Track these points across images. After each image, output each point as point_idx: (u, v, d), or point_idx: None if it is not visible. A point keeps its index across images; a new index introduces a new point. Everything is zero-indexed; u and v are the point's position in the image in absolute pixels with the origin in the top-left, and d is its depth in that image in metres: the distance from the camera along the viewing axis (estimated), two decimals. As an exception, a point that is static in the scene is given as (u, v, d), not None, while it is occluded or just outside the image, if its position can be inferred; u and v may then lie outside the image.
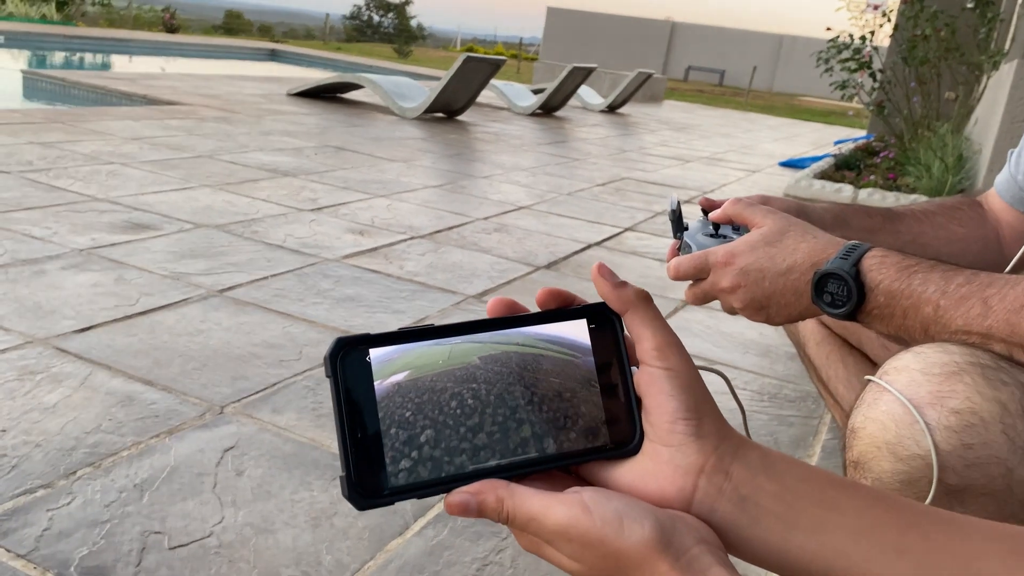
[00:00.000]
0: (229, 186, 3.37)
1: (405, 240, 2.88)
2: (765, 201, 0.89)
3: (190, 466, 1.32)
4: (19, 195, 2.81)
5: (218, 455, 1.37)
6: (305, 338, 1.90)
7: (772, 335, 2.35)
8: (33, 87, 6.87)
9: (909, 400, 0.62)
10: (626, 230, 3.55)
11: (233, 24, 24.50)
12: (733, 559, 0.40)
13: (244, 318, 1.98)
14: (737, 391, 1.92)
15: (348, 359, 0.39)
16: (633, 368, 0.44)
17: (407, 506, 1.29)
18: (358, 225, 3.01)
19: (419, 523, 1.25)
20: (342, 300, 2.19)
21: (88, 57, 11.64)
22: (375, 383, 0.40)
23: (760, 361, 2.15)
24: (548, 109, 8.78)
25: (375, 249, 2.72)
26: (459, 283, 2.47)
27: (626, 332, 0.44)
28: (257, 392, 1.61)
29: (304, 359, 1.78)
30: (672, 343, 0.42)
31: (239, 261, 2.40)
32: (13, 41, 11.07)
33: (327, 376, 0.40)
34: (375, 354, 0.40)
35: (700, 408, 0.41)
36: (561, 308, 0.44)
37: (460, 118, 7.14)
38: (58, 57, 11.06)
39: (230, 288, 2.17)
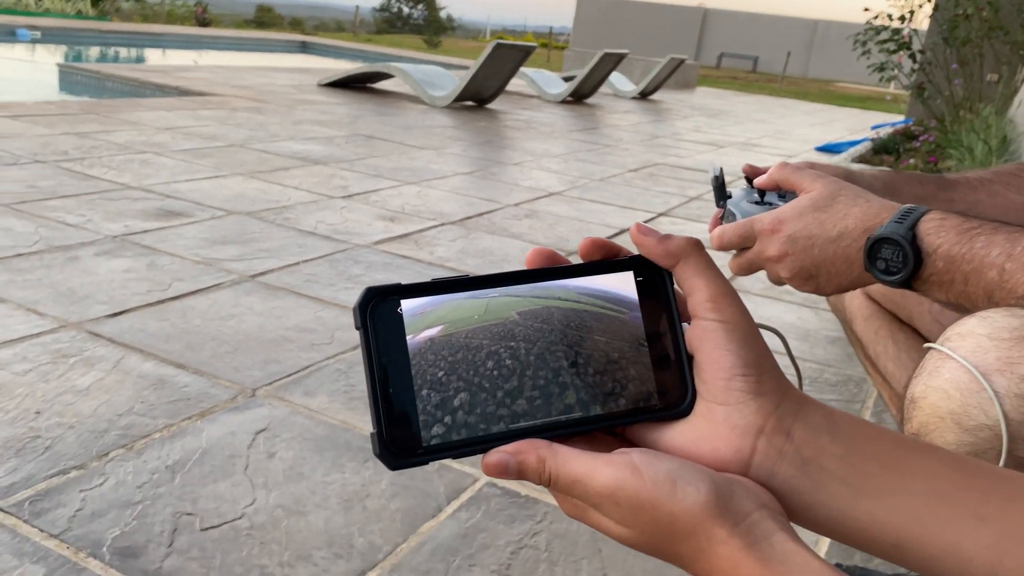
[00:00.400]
0: (261, 174, 3.38)
1: (435, 226, 2.86)
2: (811, 166, 0.85)
3: (222, 448, 1.31)
4: (54, 184, 2.83)
5: (250, 437, 1.36)
6: (336, 322, 1.89)
7: (811, 318, 2.29)
8: (69, 80, 6.96)
9: (975, 367, 0.58)
10: (660, 215, 3.50)
11: (264, 18, 24.65)
12: (794, 526, 0.37)
13: (276, 303, 1.97)
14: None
15: (378, 310, 0.37)
16: (684, 324, 0.41)
17: (440, 488, 1.26)
18: (389, 212, 3.00)
19: (452, 505, 1.23)
20: (373, 285, 2.17)
21: (122, 51, 11.78)
22: (407, 337, 0.37)
23: (799, 345, 2.09)
24: (579, 96, 8.71)
25: (406, 235, 2.70)
26: (490, 268, 2.44)
27: (675, 286, 0.41)
28: (289, 375, 1.60)
29: (336, 343, 1.77)
30: (727, 293, 0.39)
31: (271, 247, 2.40)
32: (50, 36, 11.23)
33: (356, 328, 0.37)
34: (407, 306, 0.37)
35: (759, 363, 0.38)
36: (606, 259, 0.41)
37: (490, 106, 7.10)
38: (93, 52, 11.21)
39: (262, 273, 2.17)
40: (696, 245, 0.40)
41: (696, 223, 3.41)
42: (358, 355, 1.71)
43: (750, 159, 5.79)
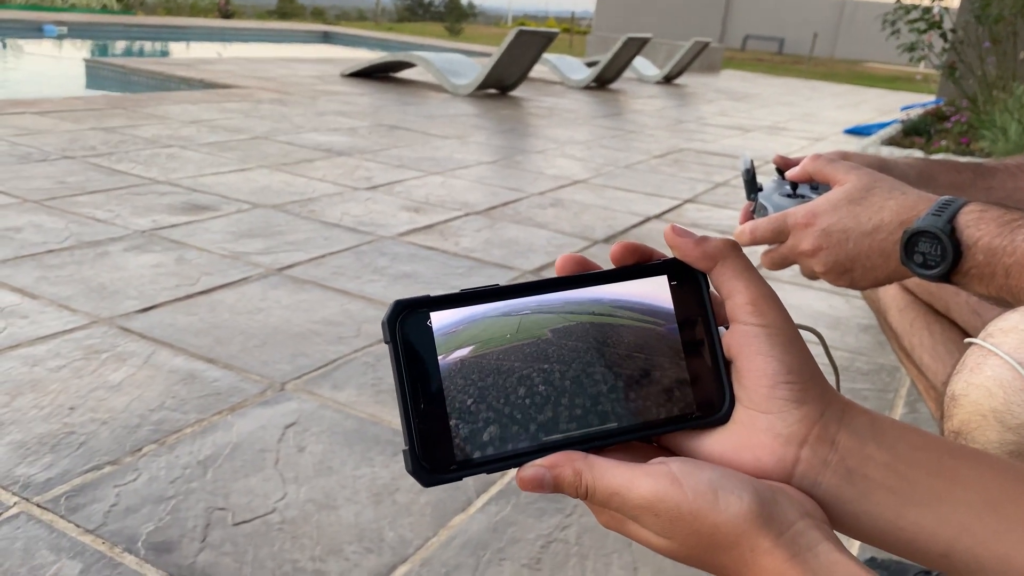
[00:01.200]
0: (285, 166, 3.39)
1: (460, 216, 2.86)
2: (845, 157, 0.83)
3: (252, 443, 1.32)
4: (83, 179, 2.86)
5: (280, 431, 1.37)
6: (363, 315, 1.89)
7: (842, 306, 2.26)
8: (95, 75, 7.03)
9: (1020, 363, 0.56)
10: (686, 202, 3.47)
11: (286, 8, 24.72)
12: (839, 536, 0.36)
13: (303, 296, 1.98)
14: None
15: (408, 323, 0.36)
16: (721, 328, 0.40)
17: (469, 482, 1.26)
18: (413, 203, 3.00)
19: (482, 499, 1.23)
20: (399, 277, 2.18)
21: (147, 45, 11.87)
22: (439, 357, 0.36)
23: (830, 333, 2.07)
24: (602, 82, 8.65)
25: (430, 226, 2.70)
26: (515, 258, 2.44)
27: (712, 289, 0.40)
28: (317, 369, 1.60)
29: (362, 336, 1.78)
30: (768, 296, 0.38)
31: (297, 240, 2.41)
32: (76, 31, 11.35)
33: (386, 342, 0.36)
34: (438, 322, 0.36)
35: (803, 369, 0.36)
36: (639, 264, 0.40)
37: (513, 93, 7.08)
38: (119, 45, 11.31)
39: (289, 267, 2.18)
40: (734, 247, 0.39)
41: (723, 209, 3.38)
42: (385, 348, 1.71)
43: (777, 143, 5.72)
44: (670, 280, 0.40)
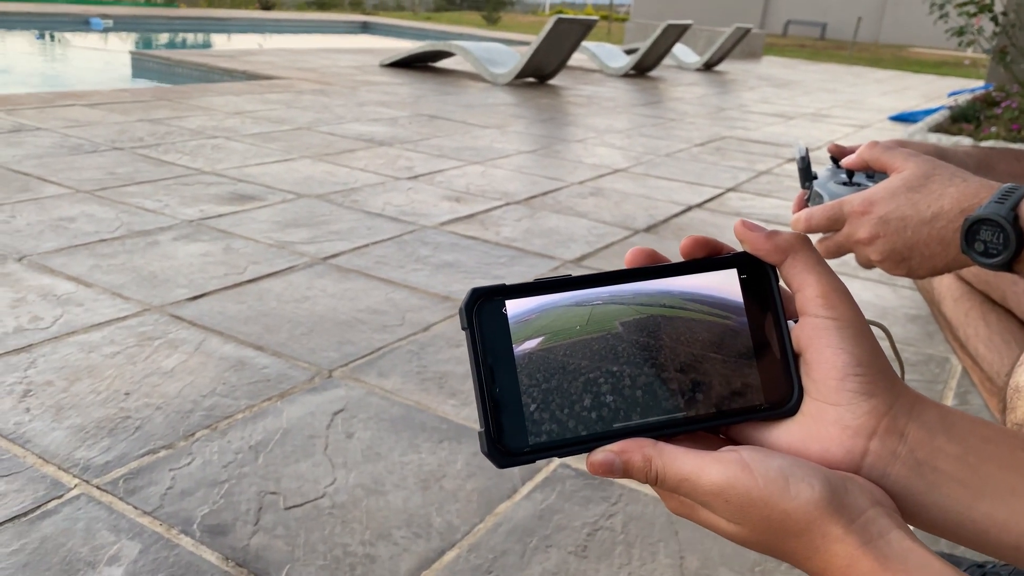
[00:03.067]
0: (328, 156, 3.42)
1: (501, 206, 2.87)
2: (902, 145, 0.82)
3: (301, 428, 1.35)
4: (132, 170, 2.92)
5: (328, 418, 1.39)
6: (407, 304, 1.91)
7: (889, 296, 2.23)
8: (141, 67, 7.15)
9: (1087, 356, 0.55)
10: (728, 191, 3.43)
11: (326, -1, 24.87)
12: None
13: (348, 284, 2.00)
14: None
15: (484, 311, 0.37)
16: (789, 322, 0.40)
17: (515, 469, 1.27)
18: (454, 192, 3.01)
19: (527, 486, 1.24)
20: (441, 266, 2.19)
21: (190, 37, 12.05)
22: (513, 344, 0.37)
23: (871, 319, 2.04)
24: (641, 69, 8.58)
25: (471, 216, 2.71)
26: (556, 248, 2.44)
27: (781, 283, 0.40)
28: (363, 356, 1.62)
29: (407, 324, 1.79)
30: (839, 289, 0.38)
31: (341, 229, 2.44)
32: (121, 24, 11.55)
33: (463, 328, 0.37)
34: (512, 309, 0.37)
35: (872, 362, 0.37)
36: (709, 257, 0.40)
37: (552, 82, 7.05)
38: (163, 38, 11.49)
39: (333, 256, 2.20)
40: (805, 240, 0.39)
41: (766, 198, 3.34)
42: (429, 336, 1.73)
43: (821, 130, 5.63)
44: (740, 273, 0.40)
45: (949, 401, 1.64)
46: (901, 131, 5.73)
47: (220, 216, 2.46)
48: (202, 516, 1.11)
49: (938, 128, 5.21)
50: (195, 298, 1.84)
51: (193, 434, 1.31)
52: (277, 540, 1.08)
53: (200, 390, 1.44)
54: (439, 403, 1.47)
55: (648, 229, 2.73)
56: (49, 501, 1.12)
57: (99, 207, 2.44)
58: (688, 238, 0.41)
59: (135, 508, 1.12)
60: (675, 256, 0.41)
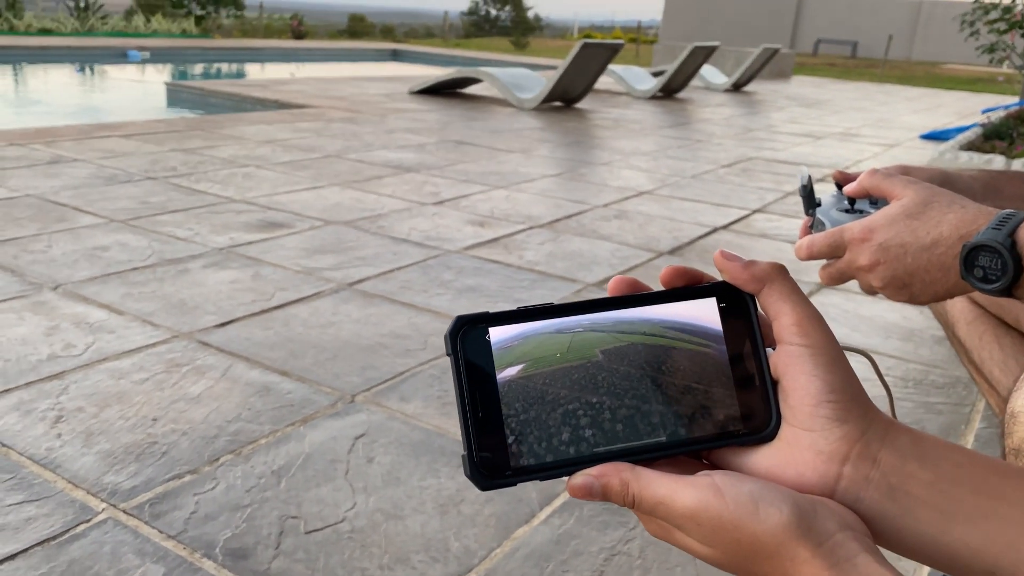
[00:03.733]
0: (356, 183, 3.48)
1: (524, 230, 2.89)
2: (906, 171, 0.83)
3: (323, 453, 1.37)
4: (164, 199, 2.99)
5: (349, 442, 1.41)
6: (430, 328, 1.93)
7: (916, 317, 2.21)
8: (176, 97, 7.32)
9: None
10: (755, 212, 3.43)
11: (357, 27, 25.29)
12: (884, 552, 0.37)
13: (372, 310, 2.03)
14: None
15: (468, 337, 0.39)
16: (768, 349, 0.41)
17: (533, 494, 1.28)
18: (478, 217, 3.04)
19: (545, 511, 1.24)
20: (464, 291, 2.21)
21: (224, 66, 12.31)
22: (496, 369, 0.39)
23: (903, 345, 2.02)
24: (669, 91, 8.60)
25: (495, 240, 2.74)
26: (579, 271, 2.45)
27: (760, 310, 0.41)
28: (385, 381, 1.65)
29: (429, 349, 1.81)
30: (813, 317, 0.39)
31: (367, 255, 2.47)
32: (158, 56, 11.84)
33: (447, 354, 0.39)
34: (495, 336, 0.39)
35: (845, 389, 0.38)
36: (688, 286, 0.42)
37: (578, 106, 7.10)
38: (197, 68, 11.76)
39: (359, 281, 2.24)
40: (781, 270, 0.40)
41: (793, 219, 3.32)
42: (449, 362, 1.75)
43: (849, 150, 5.59)
44: (719, 302, 0.41)
45: (976, 424, 1.62)
46: (932, 149, 5.67)
47: (249, 243, 2.51)
48: (224, 540, 1.14)
49: (970, 146, 5.15)
50: (223, 324, 1.88)
51: (217, 459, 1.34)
52: (297, 564, 1.10)
53: (225, 415, 1.47)
54: (458, 428, 1.48)
55: (672, 251, 2.74)
56: (78, 525, 1.15)
57: (132, 236, 2.51)
58: (668, 268, 0.42)
59: (160, 532, 1.15)
60: (673, 276, 0.42)
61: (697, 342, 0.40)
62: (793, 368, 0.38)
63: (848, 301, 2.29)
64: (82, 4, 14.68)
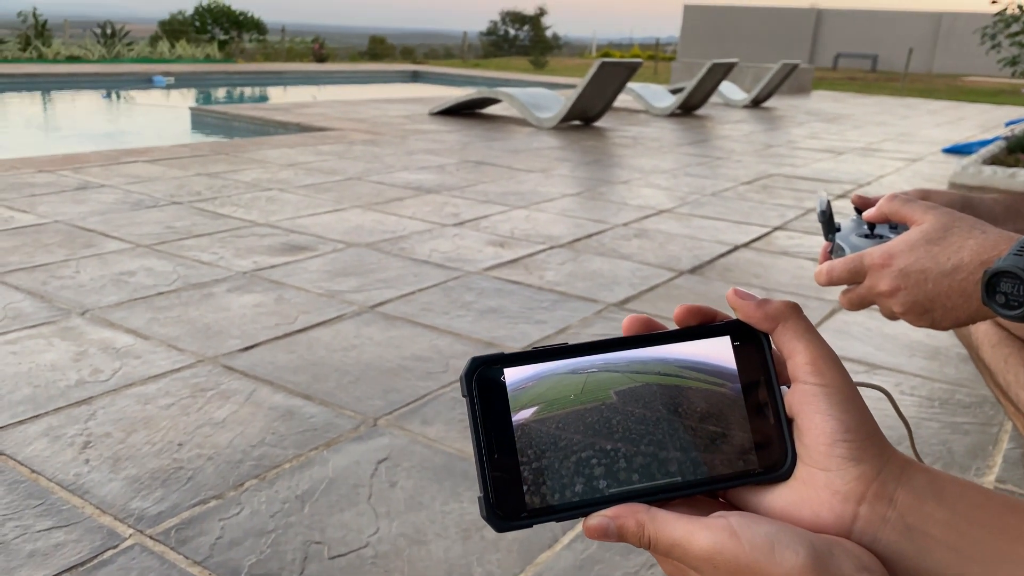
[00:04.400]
0: (377, 205, 3.51)
1: (544, 250, 2.90)
2: (925, 196, 0.83)
3: (347, 478, 1.38)
4: (189, 223, 3.03)
5: (372, 467, 1.42)
6: (451, 350, 1.94)
7: (940, 335, 2.18)
8: (200, 122, 7.43)
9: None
10: (775, 229, 3.41)
11: (377, 49, 25.56)
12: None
13: (394, 332, 2.04)
14: (904, 397, 1.80)
15: (483, 379, 0.39)
16: (783, 387, 0.41)
17: (555, 519, 1.28)
18: (498, 237, 3.05)
19: (568, 536, 1.24)
20: (485, 312, 2.22)
21: (247, 90, 12.48)
22: (511, 410, 0.39)
23: (928, 364, 2.00)
24: (688, 108, 8.60)
25: (515, 260, 2.75)
26: (600, 291, 2.45)
27: (774, 348, 0.42)
28: (407, 404, 1.65)
29: (450, 371, 1.82)
30: (827, 356, 0.39)
31: (388, 277, 2.49)
32: (182, 81, 12.03)
33: (463, 396, 0.40)
34: (510, 377, 0.39)
35: (860, 428, 0.38)
36: (702, 325, 0.42)
37: (597, 124, 7.12)
38: (221, 92, 11.93)
39: (380, 304, 2.25)
40: (795, 308, 0.41)
41: (814, 236, 3.31)
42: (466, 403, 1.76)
43: (871, 165, 5.56)
44: (733, 341, 0.41)
45: (1004, 444, 1.60)
46: (955, 163, 5.62)
47: (273, 267, 2.54)
48: (249, 566, 1.15)
49: (993, 160, 5.11)
50: (247, 348, 1.90)
51: (242, 484, 1.35)
52: (321, 590, 1.10)
53: (250, 440, 1.49)
54: (481, 451, 1.48)
55: (693, 270, 2.73)
56: (105, 551, 1.16)
57: (157, 261, 2.54)
58: (681, 307, 0.43)
59: (186, 558, 1.16)
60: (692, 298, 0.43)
61: (712, 381, 0.41)
62: (808, 407, 0.39)
63: (872, 320, 2.28)
64: (108, 31, 14.96)
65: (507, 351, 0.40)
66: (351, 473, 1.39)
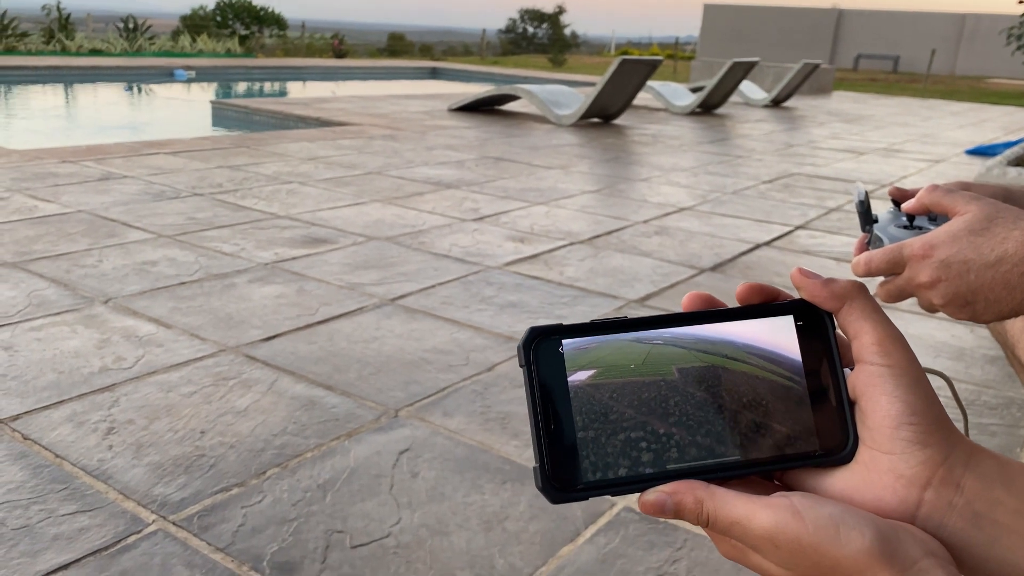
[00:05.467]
0: (397, 200, 3.51)
1: (564, 246, 2.89)
2: (966, 187, 0.81)
3: (368, 468, 1.37)
4: (211, 215, 3.04)
5: (394, 457, 1.41)
6: (471, 344, 1.93)
7: (966, 336, 2.16)
8: (221, 115, 7.47)
9: None
10: (797, 228, 3.38)
11: (396, 46, 25.59)
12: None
13: (415, 325, 2.04)
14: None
15: (541, 349, 0.38)
16: (846, 370, 0.40)
17: (578, 512, 1.27)
18: (518, 233, 3.05)
19: (590, 530, 1.23)
20: (505, 306, 2.21)
21: (267, 85, 12.53)
22: (568, 377, 0.38)
23: (954, 365, 1.97)
24: (708, 107, 8.56)
25: (535, 256, 2.74)
26: (620, 287, 2.44)
27: (838, 330, 0.41)
28: (428, 396, 1.65)
29: (471, 364, 1.82)
30: (894, 336, 0.38)
31: (408, 271, 2.49)
32: (203, 75, 12.10)
33: (520, 366, 0.39)
34: (568, 345, 0.39)
35: (927, 411, 0.36)
36: (765, 303, 0.41)
37: (616, 122, 7.09)
38: (241, 87, 11.98)
39: (401, 297, 2.25)
40: (861, 288, 0.39)
41: (836, 235, 3.28)
42: (492, 376, 1.75)
43: (893, 166, 5.51)
44: (796, 320, 0.40)
45: (1032, 446, 1.58)
46: (979, 164, 5.56)
47: (294, 259, 2.54)
48: (271, 553, 1.14)
49: (1018, 161, 5.04)
50: (268, 339, 1.90)
51: (264, 472, 1.35)
52: (343, 578, 1.10)
53: (272, 429, 1.49)
54: (502, 444, 1.48)
55: (714, 268, 2.71)
56: (129, 536, 1.16)
57: (180, 251, 2.55)
58: (744, 285, 0.41)
59: (208, 544, 1.16)
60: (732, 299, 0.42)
61: (775, 363, 0.40)
62: (873, 388, 0.37)
63: (897, 320, 2.25)
64: (131, 25, 15.06)
65: (565, 323, 0.40)
66: (373, 463, 1.39)
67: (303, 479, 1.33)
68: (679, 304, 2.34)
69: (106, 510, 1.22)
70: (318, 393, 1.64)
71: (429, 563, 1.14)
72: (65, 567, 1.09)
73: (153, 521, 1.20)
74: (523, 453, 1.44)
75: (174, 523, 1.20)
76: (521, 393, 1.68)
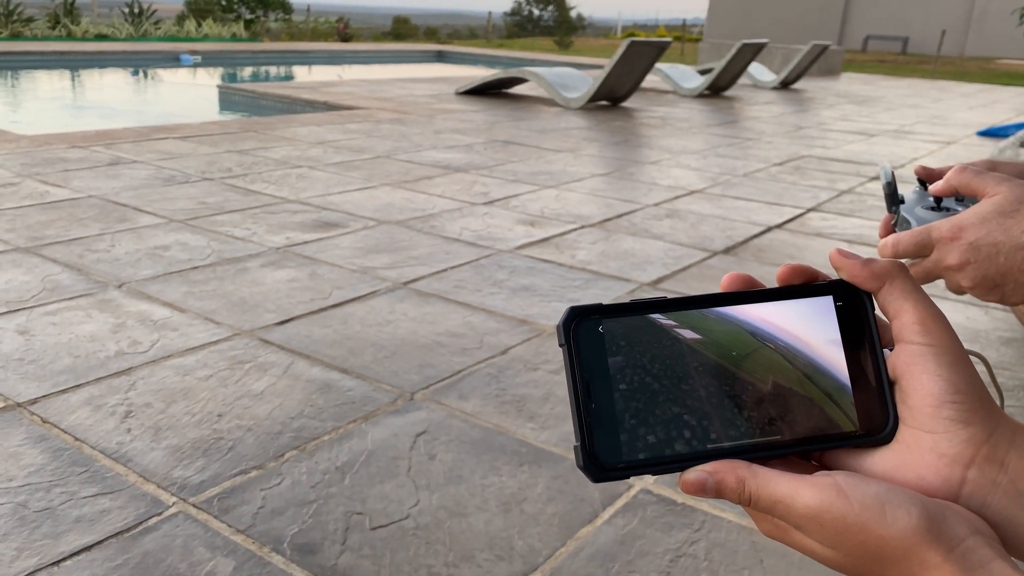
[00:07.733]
0: (407, 184, 3.50)
1: (575, 229, 2.88)
2: (992, 167, 0.80)
3: (386, 450, 1.38)
4: (221, 199, 3.04)
5: (411, 440, 1.42)
6: (485, 327, 1.94)
7: (981, 318, 2.15)
8: (228, 100, 7.45)
9: None
10: (809, 211, 3.37)
11: (401, 29, 25.47)
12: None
13: (428, 308, 2.04)
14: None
15: (581, 328, 0.38)
16: (885, 350, 0.40)
17: (595, 493, 1.28)
18: (529, 216, 3.04)
19: (608, 511, 1.24)
20: (517, 290, 2.21)
21: (273, 69, 12.49)
22: (608, 361, 0.38)
23: (969, 347, 1.97)
24: (716, 89, 8.50)
25: (546, 239, 2.73)
26: (632, 271, 2.44)
27: (877, 311, 0.40)
28: (443, 379, 1.65)
29: (485, 347, 1.82)
30: (935, 315, 0.38)
31: (420, 255, 2.49)
32: (209, 60, 12.07)
33: (560, 345, 0.39)
34: (607, 324, 0.39)
35: (970, 390, 0.36)
36: (805, 284, 0.41)
37: (625, 104, 7.05)
38: (247, 71, 11.95)
39: (413, 280, 2.25)
40: (902, 268, 0.39)
41: (848, 218, 3.26)
42: (507, 360, 1.75)
43: (904, 148, 5.47)
44: (835, 301, 0.40)
45: (1048, 429, 1.57)
46: (991, 146, 5.52)
47: (305, 243, 2.54)
48: (292, 535, 1.15)
49: (1031, 143, 5.00)
50: (283, 323, 1.91)
51: (283, 455, 1.35)
52: (364, 560, 1.11)
53: (288, 412, 1.49)
54: (518, 426, 1.48)
55: (727, 251, 2.70)
56: (150, 518, 1.17)
57: (191, 235, 2.56)
58: (785, 266, 0.41)
59: (229, 526, 1.16)
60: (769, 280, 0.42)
61: (814, 340, 0.40)
62: (914, 367, 0.37)
63: (910, 302, 2.24)
64: (136, 10, 15.02)
65: (604, 303, 0.40)
66: (390, 446, 1.39)
67: (321, 461, 1.34)
68: (691, 287, 2.33)
69: (127, 492, 1.23)
70: (334, 376, 1.64)
71: (449, 544, 1.15)
72: (88, 548, 1.10)
73: (173, 503, 1.21)
74: (539, 435, 1.45)
75: (194, 505, 1.21)
76: (537, 376, 1.68)
